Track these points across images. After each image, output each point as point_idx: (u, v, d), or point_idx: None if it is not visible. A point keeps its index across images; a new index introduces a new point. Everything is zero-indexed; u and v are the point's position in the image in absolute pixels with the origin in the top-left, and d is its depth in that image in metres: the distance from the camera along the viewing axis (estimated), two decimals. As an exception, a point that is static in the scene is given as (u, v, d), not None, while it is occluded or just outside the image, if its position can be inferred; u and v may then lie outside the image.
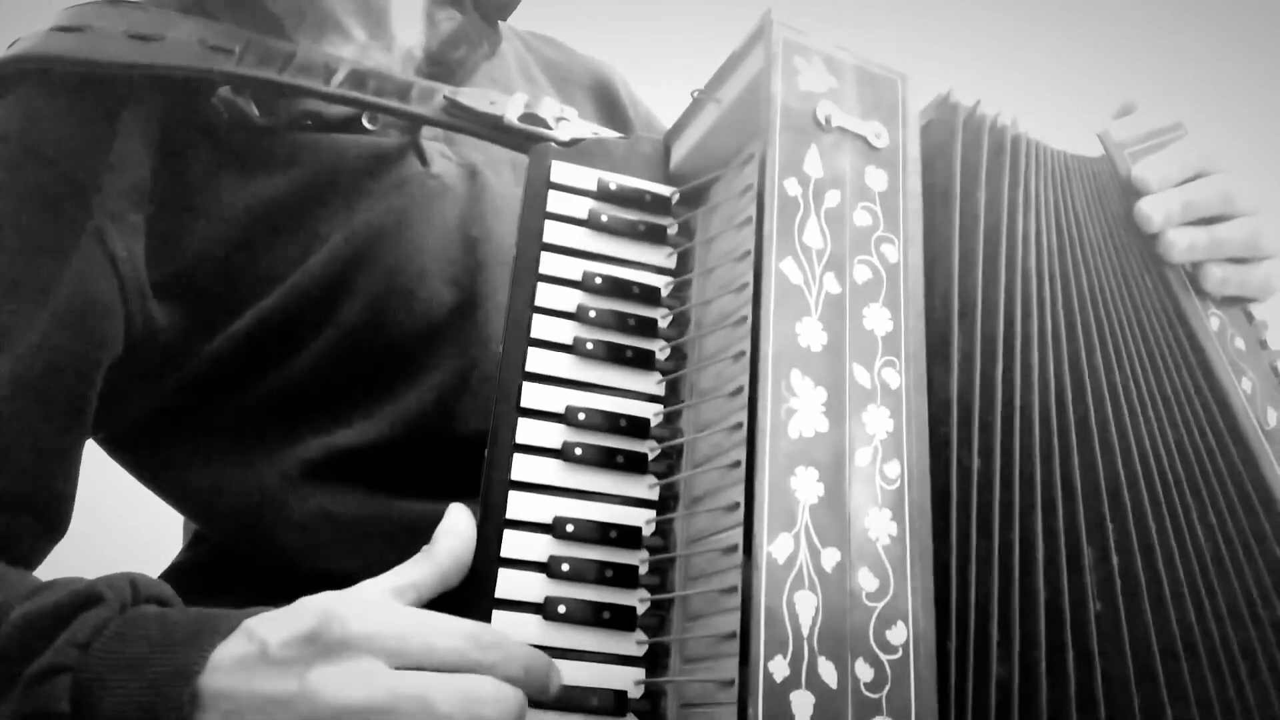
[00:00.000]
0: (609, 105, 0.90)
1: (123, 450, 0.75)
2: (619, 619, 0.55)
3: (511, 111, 0.72)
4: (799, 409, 0.49)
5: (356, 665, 0.47)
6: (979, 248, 0.56)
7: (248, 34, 0.71)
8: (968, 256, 0.56)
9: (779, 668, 0.44)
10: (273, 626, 0.49)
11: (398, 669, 0.47)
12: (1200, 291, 0.62)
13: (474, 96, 0.73)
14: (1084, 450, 0.55)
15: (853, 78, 0.57)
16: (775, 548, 0.46)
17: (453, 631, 0.49)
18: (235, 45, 0.69)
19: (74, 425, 0.67)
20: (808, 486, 0.48)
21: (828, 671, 0.45)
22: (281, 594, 0.53)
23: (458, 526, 0.55)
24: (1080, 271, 0.60)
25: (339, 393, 0.69)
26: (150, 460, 0.74)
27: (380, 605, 0.49)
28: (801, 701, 0.44)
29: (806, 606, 0.46)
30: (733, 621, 0.51)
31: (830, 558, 0.47)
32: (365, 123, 0.73)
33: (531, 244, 0.62)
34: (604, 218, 0.63)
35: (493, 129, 0.72)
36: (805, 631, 0.45)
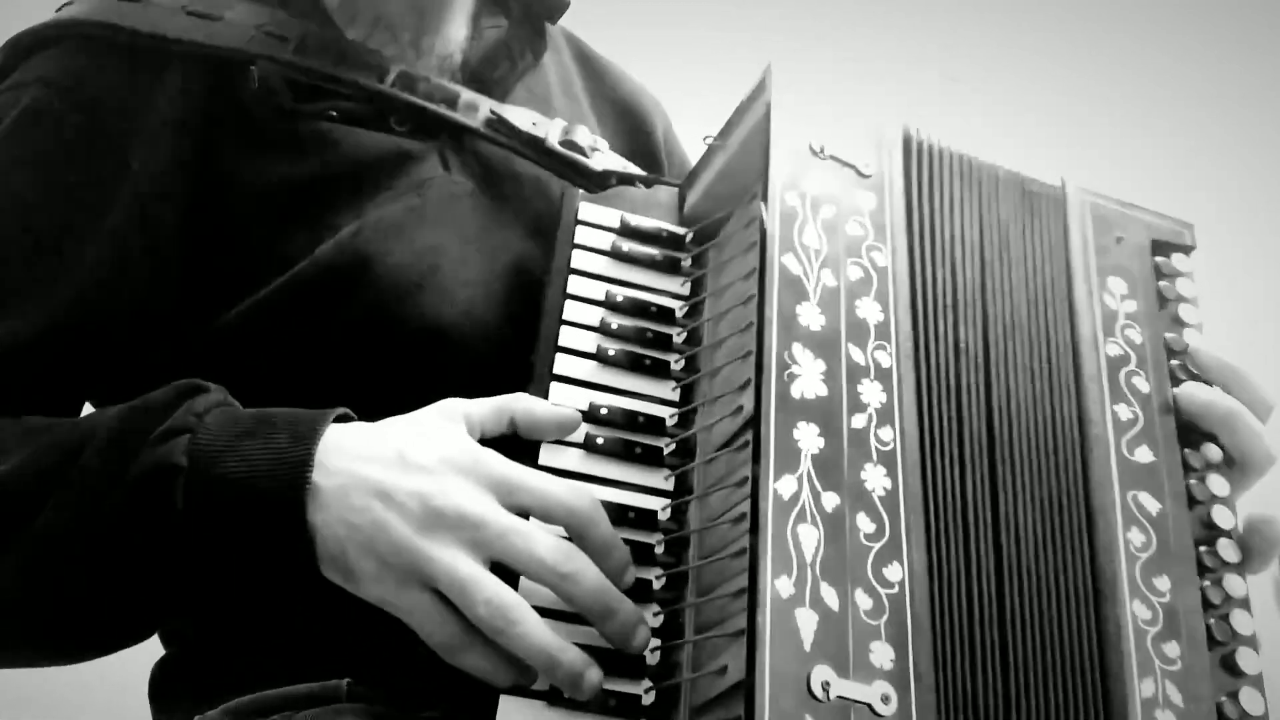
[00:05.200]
0: (635, 134, 0.91)
1: None
2: (635, 591, 0.59)
3: (553, 136, 0.75)
4: (800, 374, 0.55)
5: (482, 490, 0.55)
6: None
7: (303, 24, 0.73)
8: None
9: (784, 586, 0.48)
10: (410, 440, 0.57)
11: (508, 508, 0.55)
12: (1112, 326, 0.66)
13: (517, 115, 0.75)
14: (986, 409, 0.60)
15: (845, 121, 0.65)
16: (781, 485, 0.51)
17: (566, 487, 0.57)
18: (290, 34, 0.71)
19: (90, 377, 0.70)
20: (810, 439, 0.53)
21: (830, 595, 0.49)
22: (286, 578, 0.58)
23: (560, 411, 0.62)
24: (994, 263, 0.65)
25: (344, 387, 0.69)
26: None
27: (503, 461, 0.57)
28: (806, 618, 0.48)
29: (809, 538, 0.50)
30: (741, 582, 0.55)
31: (830, 500, 0.52)
32: (393, 123, 0.74)
33: (561, 271, 0.69)
34: (625, 249, 0.70)
35: (534, 150, 0.76)
36: (809, 559, 0.50)
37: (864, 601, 0.50)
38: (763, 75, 0.66)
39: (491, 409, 0.60)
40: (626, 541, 0.60)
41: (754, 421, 0.52)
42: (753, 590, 0.48)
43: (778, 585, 0.48)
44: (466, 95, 0.76)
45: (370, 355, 0.70)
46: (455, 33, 0.81)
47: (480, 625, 0.53)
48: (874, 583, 0.51)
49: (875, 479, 0.54)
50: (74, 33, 0.72)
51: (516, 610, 0.53)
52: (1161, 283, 0.68)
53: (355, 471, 0.56)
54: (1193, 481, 0.61)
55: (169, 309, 0.71)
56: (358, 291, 0.69)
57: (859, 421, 0.55)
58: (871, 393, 0.56)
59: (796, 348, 0.55)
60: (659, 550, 0.61)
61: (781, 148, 0.62)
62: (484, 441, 0.59)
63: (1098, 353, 0.64)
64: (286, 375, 0.70)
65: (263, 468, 0.56)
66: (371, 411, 0.65)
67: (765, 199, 0.60)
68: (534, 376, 0.65)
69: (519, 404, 0.61)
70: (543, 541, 0.54)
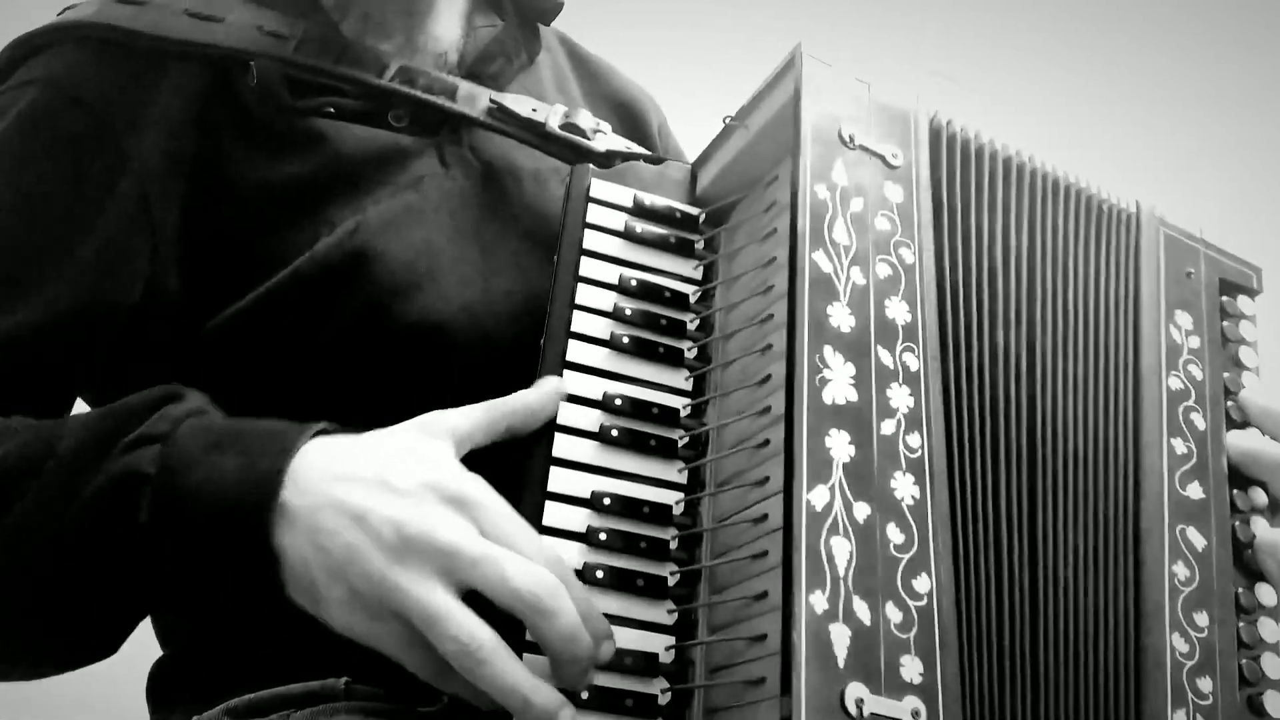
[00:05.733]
0: (633, 130, 0.91)
1: None
2: (651, 587, 0.58)
3: (553, 120, 0.75)
4: (831, 379, 0.54)
5: (462, 518, 0.52)
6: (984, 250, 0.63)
7: (304, 24, 0.73)
8: (967, 259, 0.62)
9: (819, 601, 0.48)
10: (392, 460, 0.55)
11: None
12: (1175, 359, 0.66)
13: (517, 102, 0.75)
14: (1029, 422, 0.60)
15: (873, 107, 0.64)
16: (814, 496, 0.50)
17: (540, 546, 0.54)
18: (291, 34, 0.72)
19: (81, 374, 0.68)
20: (841, 446, 0.52)
21: (862, 610, 0.49)
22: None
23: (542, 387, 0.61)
24: (1046, 273, 0.64)
25: (343, 384, 0.69)
26: None
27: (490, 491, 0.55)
28: (840, 633, 0.48)
29: (842, 551, 0.50)
30: (761, 585, 0.55)
31: (862, 510, 0.51)
32: (391, 120, 0.73)
33: (572, 250, 0.67)
34: (638, 229, 0.68)
35: (535, 134, 0.75)
36: (841, 572, 0.49)
37: (894, 615, 0.49)
38: (790, 55, 0.64)
39: (481, 421, 0.58)
40: (640, 537, 0.59)
41: (786, 428, 0.51)
42: (787, 605, 0.47)
43: (812, 600, 0.48)
44: (465, 87, 0.75)
45: (368, 352, 0.69)
46: (448, 31, 0.80)
47: (450, 661, 0.51)
48: (904, 595, 0.50)
49: (904, 487, 0.53)
50: (76, 34, 0.71)
51: (486, 648, 0.50)
52: (1225, 323, 0.69)
53: (329, 492, 0.53)
54: (1237, 523, 0.62)
55: (167, 306, 0.70)
56: (356, 288, 0.68)
57: (888, 427, 0.54)
58: (900, 397, 0.55)
59: (828, 351, 0.54)
60: (673, 546, 0.60)
61: (811, 136, 0.60)
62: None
63: (1160, 383, 0.64)
64: (285, 373, 0.69)
65: (230, 482, 0.54)
66: (370, 409, 0.64)
67: (795, 191, 0.58)
68: (544, 362, 0.63)
69: (512, 405, 0.59)
70: (519, 572, 0.51)
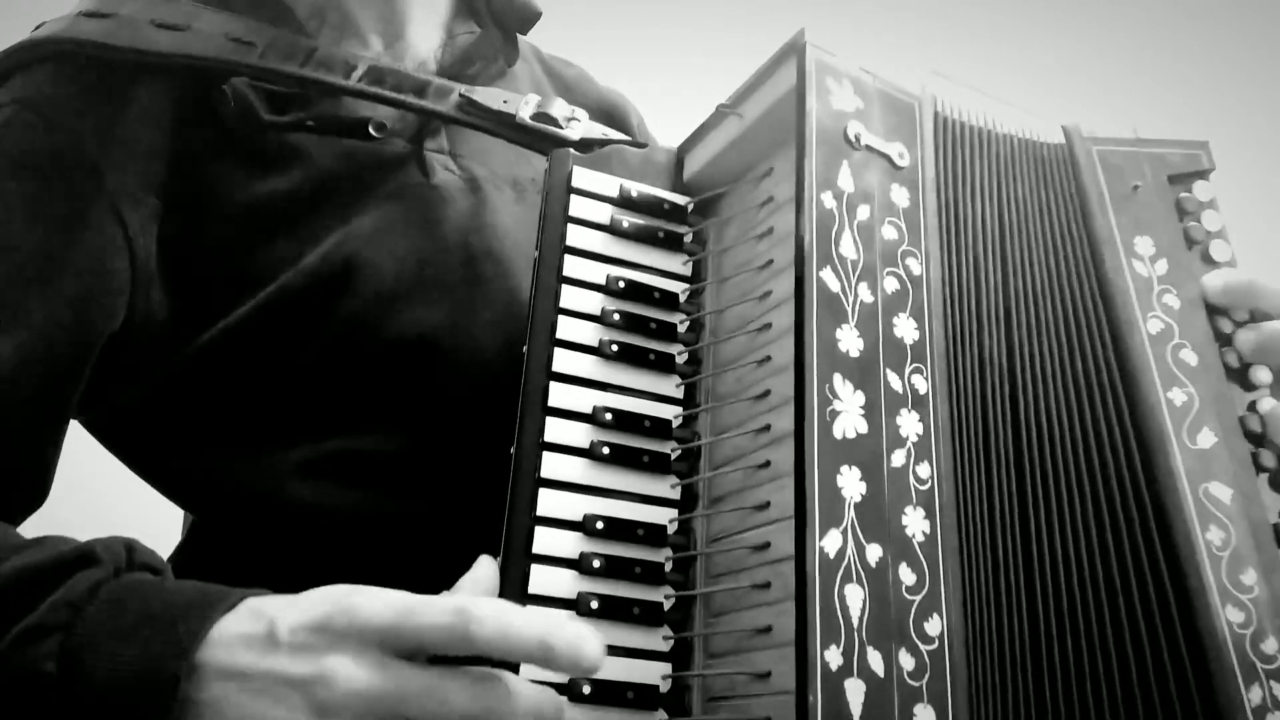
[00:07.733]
0: (616, 129, 0.88)
1: (116, 441, 0.73)
2: (648, 615, 0.56)
3: (524, 110, 0.72)
4: (842, 411, 0.51)
5: (368, 655, 0.46)
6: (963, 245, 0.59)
7: (271, 30, 0.71)
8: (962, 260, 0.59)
9: (834, 657, 0.46)
10: (282, 610, 0.48)
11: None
12: (1148, 298, 0.60)
13: (488, 95, 0.73)
14: (1013, 427, 0.57)
15: (877, 100, 0.60)
16: (826, 543, 0.48)
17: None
18: (258, 40, 0.70)
19: (70, 400, 0.66)
20: (852, 485, 0.50)
21: (876, 661, 0.47)
22: (280, 585, 0.52)
23: (479, 579, 0.54)
24: (1014, 252, 0.60)
25: (331, 396, 0.68)
26: (144, 452, 0.72)
27: (391, 595, 0.48)
28: (854, 689, 0.46)
29: (855, 599, 0.48)
30: (764, 616, 0.53)
31: (874, 553, 0.49)
32: (371, 130, 0.73)
33: (554, 247, 0.62)
34: (625, 223, 0.64)
35: (506, 126, 0.72)
36: (855, 623, 0.47)
37: (907, 662, 0.48)
38: (792, 42, 0.59)
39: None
40: (635, 561, 0.57)
41: (797, 471, 0.49)
42: (802, 663, 0.45)
43: (827, 656, 0.46)
44: (437, 82, 0.73)
45: (357, 364, 0.68)
46: (427, 39, 0.80)
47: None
48: (916, 640, 0.49)
49: (915, 523, 0.51)
50: (44, 52, 0.69)
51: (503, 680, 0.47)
52: (1188, 223, 0.64)
53: (233, 667, 0.48)
54: (1257, 450, 0.57)
55: (153, 326, 0.67)
56: (343, 301, 0.67)
57: (898, 459, 0.52)
58: (909, 425, 0.53)
59: (837, 379, 0.51)
60: (668, 569, 0.58)
61: (817, 137, 0.56)
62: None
63: (1141, 335, 0.59)
64: (274, 387, 0.68)
65: (129, 678, 0.48)
66: (359, 421, 0.61)
67: (801, 200, 0.54)
68: (529, 369, 0.59)
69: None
70: (451, 688, 0.46)
